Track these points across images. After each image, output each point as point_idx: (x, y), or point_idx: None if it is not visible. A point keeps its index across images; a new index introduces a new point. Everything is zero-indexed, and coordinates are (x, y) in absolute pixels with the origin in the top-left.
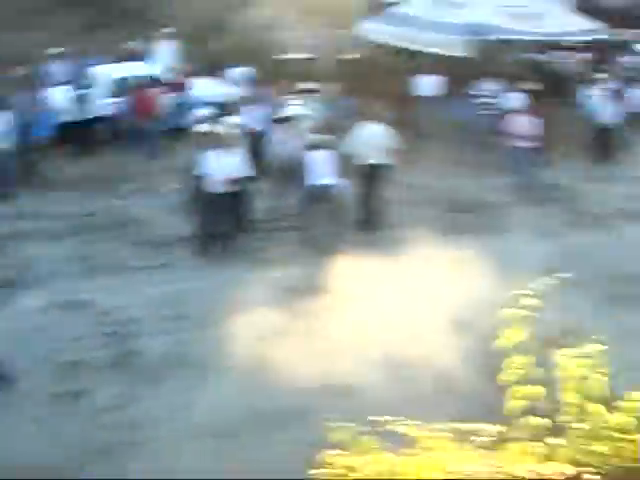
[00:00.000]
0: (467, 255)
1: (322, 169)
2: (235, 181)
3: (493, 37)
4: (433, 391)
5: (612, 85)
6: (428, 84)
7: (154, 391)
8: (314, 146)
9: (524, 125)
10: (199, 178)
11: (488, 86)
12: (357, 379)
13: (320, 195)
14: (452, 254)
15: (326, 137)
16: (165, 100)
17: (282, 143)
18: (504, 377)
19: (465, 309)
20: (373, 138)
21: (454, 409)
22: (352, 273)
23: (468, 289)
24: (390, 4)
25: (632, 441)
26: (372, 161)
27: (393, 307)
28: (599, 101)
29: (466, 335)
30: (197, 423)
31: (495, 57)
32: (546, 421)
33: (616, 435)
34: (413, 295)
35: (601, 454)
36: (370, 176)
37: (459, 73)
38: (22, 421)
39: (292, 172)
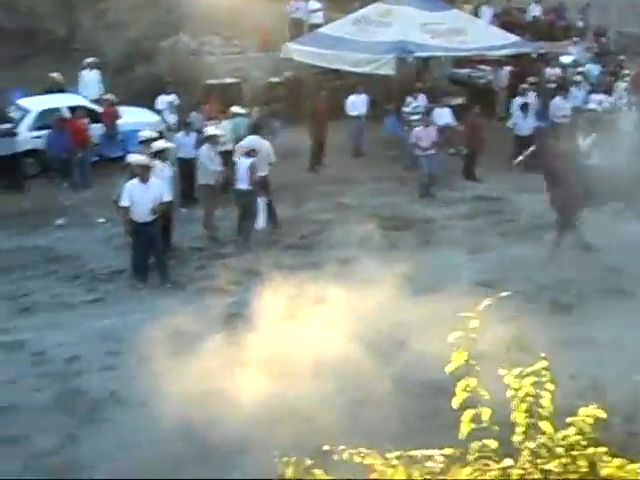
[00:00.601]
0: (408, 274)
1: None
2: (159, 209)
3: (417, 54)
4: (385, 416)
5: (535, 96)
6: (357, 103)
7: (99, 430)
8: (242, 154)
9: (428, 136)
10: (126, 208)
11: (417, 102)
12: (306, 406)
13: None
14: (391, 273)
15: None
16: (94, 130)
17: (209, 160)
18: (455, 400)
19: (411, 331)
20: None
21: (406, 434)
22: (292, 296)
23: (412, 310)
24: (316, 26)
25: (581, 457)
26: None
27: (338, 330)
28: (522, 113)
29: (415, 358)
30: (139, 461)
31: (421, 74)
32: (497, 442)
33: (566, 452)
34: (355, 317)
35: (551, 472)
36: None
37: (387, 91)
38: None
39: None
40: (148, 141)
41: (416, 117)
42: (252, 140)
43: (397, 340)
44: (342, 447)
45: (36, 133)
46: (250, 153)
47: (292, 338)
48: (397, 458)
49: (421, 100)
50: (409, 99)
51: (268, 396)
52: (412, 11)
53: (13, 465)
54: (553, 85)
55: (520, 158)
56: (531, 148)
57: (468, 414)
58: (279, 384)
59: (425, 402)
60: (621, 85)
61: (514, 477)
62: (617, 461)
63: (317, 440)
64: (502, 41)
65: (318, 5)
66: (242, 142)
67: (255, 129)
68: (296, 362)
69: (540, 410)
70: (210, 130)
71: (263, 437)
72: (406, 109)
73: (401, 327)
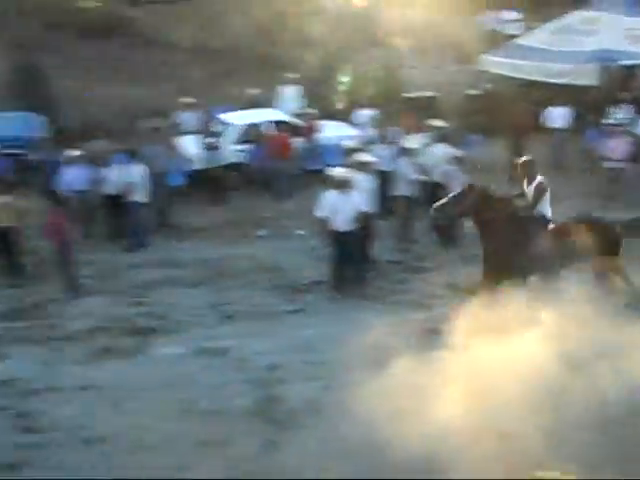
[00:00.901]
0: (617, 291)
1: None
2: (358, 219)
3: (621, 62)
4: (588, 440)
5: None
6: (558, 115)
7: (296, 438)
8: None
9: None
10: (324, 219)
11: (621, 113)
12: (505, 426)
13: None
14: (598, 291)
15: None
16: (295, 144)
17: (408, 171)
18: None
19: (619, 352)
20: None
21: (614, 461)
22: (492, 312)
23: (621, 330)
24: (512, 36)
25: None
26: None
27: (538, 349)
28: None
29: (620, 380)
30: (336, 471)
31: (625, 83)
32: None
33: None
34: (557, 336)
35: None
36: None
37: (589, 102)
38: (164, 465)
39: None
40: (351, 151)
41: (622, 129)
42: (439, 148)
43: (603, 361)
44: (555, 473)
45: (239, 147)
46: (457, 160)
47: (490, 356)
48: None
49: (626, 111)
50: (612, 109)
51: (465, 414)
52: (618, 18)
53: (216, 467)
54: None
55: (436, 205)
56: (452, 193)
57: None
58: (476, 402)
59: (630, 428)
60: None
61: None
62: None
63: (520, 461)
64: None
65: (514, 15)
66: (432, 148)
67: (441, 138)
68: (494, 380)
69: None
70: (407, 143)
71: (463, 457)
72: (608, 120)
73: (608, 348)
